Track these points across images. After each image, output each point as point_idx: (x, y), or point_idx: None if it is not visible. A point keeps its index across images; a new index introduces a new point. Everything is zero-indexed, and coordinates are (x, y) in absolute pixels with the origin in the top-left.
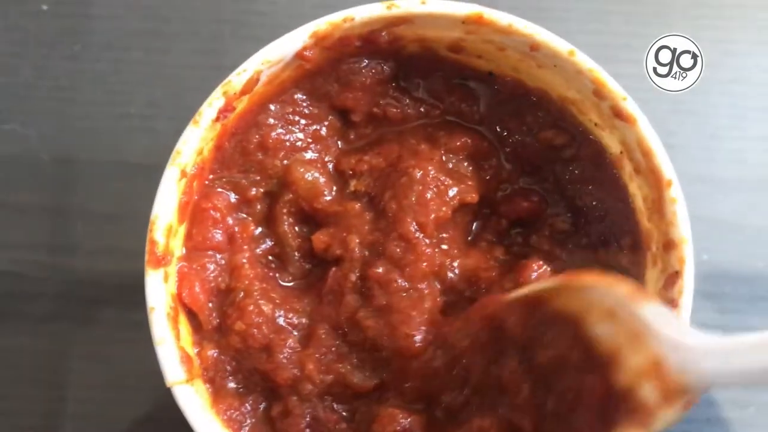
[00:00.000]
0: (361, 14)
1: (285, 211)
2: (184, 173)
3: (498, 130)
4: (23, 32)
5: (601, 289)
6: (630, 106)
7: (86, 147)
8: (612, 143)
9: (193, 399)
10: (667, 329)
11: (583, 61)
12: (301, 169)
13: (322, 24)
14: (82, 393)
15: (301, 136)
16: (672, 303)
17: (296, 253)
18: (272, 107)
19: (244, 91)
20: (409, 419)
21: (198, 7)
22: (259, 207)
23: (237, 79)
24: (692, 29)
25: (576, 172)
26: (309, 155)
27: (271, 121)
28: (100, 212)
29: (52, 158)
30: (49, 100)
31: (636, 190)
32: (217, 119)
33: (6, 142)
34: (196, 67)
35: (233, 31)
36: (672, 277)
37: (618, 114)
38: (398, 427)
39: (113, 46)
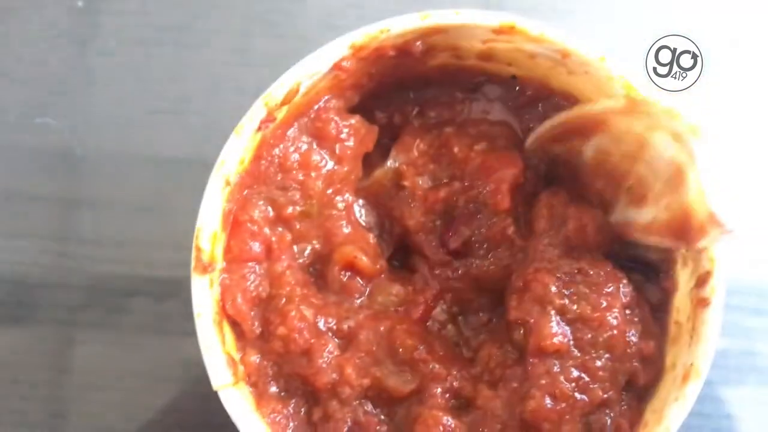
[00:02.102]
0: (396, 26)
1: (337, 269)
2: (227, 182)
3: (524, 130)
4: (58, 28)
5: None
6: None
7: (118, 141)
8: None
9: (239, 402)
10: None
11: (614, 67)
12: (357, 254)
13: (359, 36)
14: (109, 382)
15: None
16: (704, 302)
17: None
18: (303, 122)
19: (285, 102)
20: (453, 421)
21: (228, 3)
22: (298, 226)
23: (278, 90)
24: (692, 29)
25: None
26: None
27: (305, 138)
28: (132, 205)
29: (84, 152)
30: (82, 94)
31: None
32: (259, 129)
33: (39, 135)
34: (227, 63)
35: (263, 28)
36: (703, 277)
37: None
38: (442, 430)
39: (146, 42)
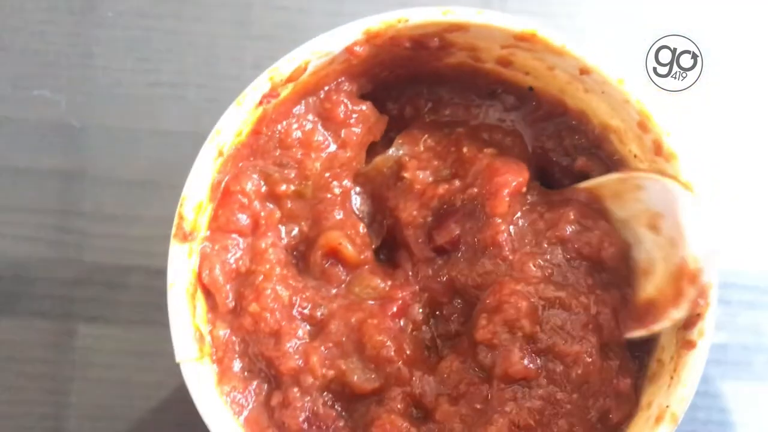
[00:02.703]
0: (415, 17)
1: (320, 253)
2: (221, 152)
3: (534, 146)
4: None
5: (656, 183)
6: (672, 142)
7: (116, 114)
8: None
9: (199, 377)
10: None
11: (632, 90)
12: (342, 242)
13: (375, 22)
14: (109, 358)
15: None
16: (690, 345)
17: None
18: (311, 100)
19: (291, 79)
20: (410, 429)
21: None
22: (289, 205)
23: (285, 66)
24: (692, 29)
25: None
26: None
27: (310, 116)
28: (130, 179)
29: (81, 125)
30: (79, 67)
31: None
32: (260, 103)
33: (36, 108)
34: (227, 36)
35: (263, 1)
36: (693, 319)
37: (658, 149)
38: None
39: (145, 14)
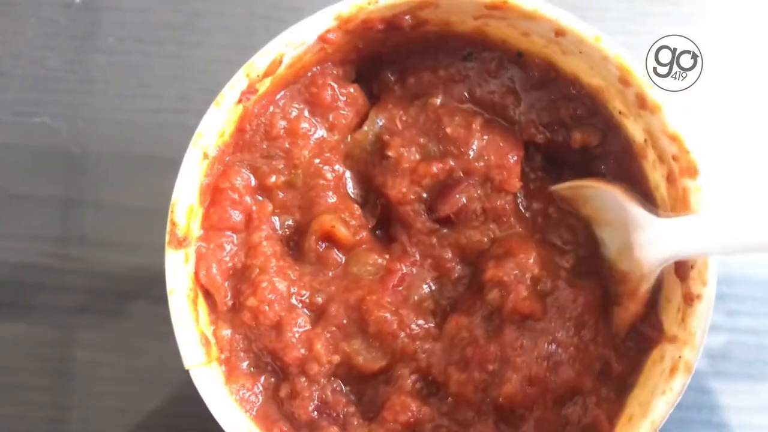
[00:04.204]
0: None
1: (314, 238)
2: (206, 155)
3: (533, 125)
4: (55, 25)
5: (603, 191)
6: (655, 94)
7: (117, 141)
8: (636, 132)
9: (210, 381)
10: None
11: (609, 47)
12: (335, 224)
13: (345, 6)
14: (108, 386)
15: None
16: (693, 297)
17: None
18: (295, 88)
19: (267, 73)
20: (422, 408)
21: (230, 1)
22: (281, 195)
23: (260, 60)
24: (692, 29)
25: (602, 167)
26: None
27: (295, 104)
28: (130, 206)
29: (82, 152)
30: (80, 93)
31: (659, 179)
32: (240, 101)
33: (36, 135)
34: (228, 62)
35: (265, 26)
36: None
37: (642, 102)
38: (410, 416)
39: (145, 40)
